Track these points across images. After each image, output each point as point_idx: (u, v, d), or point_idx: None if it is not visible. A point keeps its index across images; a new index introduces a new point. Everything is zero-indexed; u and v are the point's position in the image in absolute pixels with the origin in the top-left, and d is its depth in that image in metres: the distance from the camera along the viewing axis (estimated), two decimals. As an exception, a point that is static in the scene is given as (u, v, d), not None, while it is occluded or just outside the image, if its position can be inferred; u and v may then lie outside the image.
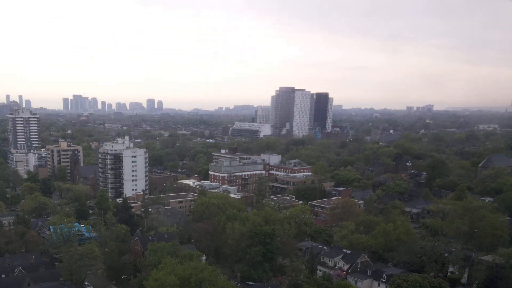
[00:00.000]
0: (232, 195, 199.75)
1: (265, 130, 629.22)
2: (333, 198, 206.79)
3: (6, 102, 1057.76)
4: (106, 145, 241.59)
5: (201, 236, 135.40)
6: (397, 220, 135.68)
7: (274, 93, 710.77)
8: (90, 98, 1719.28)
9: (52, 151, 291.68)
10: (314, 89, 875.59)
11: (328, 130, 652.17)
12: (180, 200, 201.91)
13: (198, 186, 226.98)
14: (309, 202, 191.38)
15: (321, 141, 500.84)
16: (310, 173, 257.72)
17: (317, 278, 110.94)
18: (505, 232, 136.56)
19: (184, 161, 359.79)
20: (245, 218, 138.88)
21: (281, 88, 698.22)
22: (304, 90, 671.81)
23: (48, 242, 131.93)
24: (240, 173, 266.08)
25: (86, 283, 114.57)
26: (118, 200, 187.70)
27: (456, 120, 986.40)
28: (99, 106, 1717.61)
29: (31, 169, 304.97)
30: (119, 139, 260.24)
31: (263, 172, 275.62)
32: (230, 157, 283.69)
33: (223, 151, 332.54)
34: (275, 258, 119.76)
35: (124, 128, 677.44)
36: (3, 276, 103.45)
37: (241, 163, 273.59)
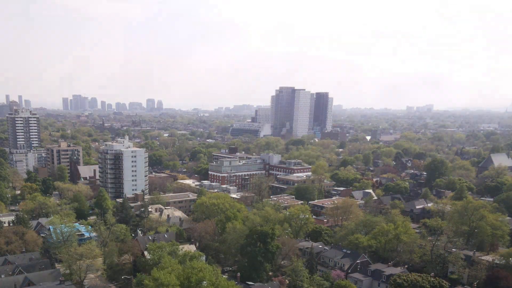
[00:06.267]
0: (232, 195, 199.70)
1: (265, 130, 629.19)
2: (333, 198, 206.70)
3: (6, 102, 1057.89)
4: (106, 145, 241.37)
5: (201, 236, 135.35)
6: (397, 220, 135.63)
7: (274, 93, 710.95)
8: (89, 98, 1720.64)
9: (52, 151, 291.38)
10: (314, 89, 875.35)
11: (328, 130, 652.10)
12: (180, 200, 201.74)
13: (198, 186, 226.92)
14: (309, 202, 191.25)
15: (321, 141, 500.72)
16: (310, 173, 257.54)
17: (317, 278, 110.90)
18: (505, 232, 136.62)
19: (184, 161, 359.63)
20: (245, 218, 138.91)
21: (281, 88, 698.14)
22: (304, 90, 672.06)
23: (48, 242, 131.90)
24: (240, 173, 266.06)
25: (86, 283, 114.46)
26: (118, 200, 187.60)
27: (456, 120, 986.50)
28: (99, 106, 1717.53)
29: (31, 169, 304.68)
30: (118, 139, 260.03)
31: (263, 172, 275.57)
32: (230, 157, 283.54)
33: (223, 151, 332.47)
34: (275, 258, 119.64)
35: (124, 128, 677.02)
36: (2, 276, 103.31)
37: (241, 163, 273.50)
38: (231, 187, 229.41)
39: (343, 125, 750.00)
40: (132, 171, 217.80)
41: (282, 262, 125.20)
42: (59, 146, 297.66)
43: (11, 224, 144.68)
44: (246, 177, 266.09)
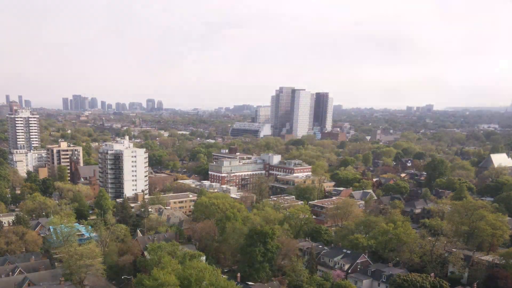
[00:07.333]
0: (232, 195, 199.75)
1: (265, 130, 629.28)
2: (333, 198, 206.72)
3: (6, 102, 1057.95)
4: (106, 145, 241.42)
5: (201, 236, 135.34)
6: (397, 220, 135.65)
7: (274, 93, 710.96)
8: (89, 98, 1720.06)
9: (52, 151, 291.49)
10: (314, 89, 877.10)
11: (328, 130, 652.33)
12: (180, 200, 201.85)
13: (198, 186, 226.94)
14: (309, 202, 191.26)
15: (320, 141, 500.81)
16: (310, 173, 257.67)
17: (317, 278, 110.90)
18: (505, 232, 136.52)
19: (184, 161, 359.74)
20: (245, 218, 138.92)
21: (281, 88, 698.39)
22: (304, 90, 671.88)
23: (48, 242, 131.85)
24: (240, 173, 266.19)
25: (86, 283, 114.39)
26: (118, 200, 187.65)
27: (456, 120, 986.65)
28: (99, 106, 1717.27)
29: (31, 169, 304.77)
30: (118, 139, 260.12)
31: (263, 172, 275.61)
32: (230, 157, 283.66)
33: (223, 151, 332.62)
34: (275, 258, 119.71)
35: (124, 128, 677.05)
36: (2, 276, 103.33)
37: (241, 163, 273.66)
38: (231, 187, 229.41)
39: (343, 125, 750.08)
40: (132, 171, 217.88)
41: (282, 262, 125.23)
42: (59, 146, 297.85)
43: (11, 224, 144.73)
44: (246, 177, 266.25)
